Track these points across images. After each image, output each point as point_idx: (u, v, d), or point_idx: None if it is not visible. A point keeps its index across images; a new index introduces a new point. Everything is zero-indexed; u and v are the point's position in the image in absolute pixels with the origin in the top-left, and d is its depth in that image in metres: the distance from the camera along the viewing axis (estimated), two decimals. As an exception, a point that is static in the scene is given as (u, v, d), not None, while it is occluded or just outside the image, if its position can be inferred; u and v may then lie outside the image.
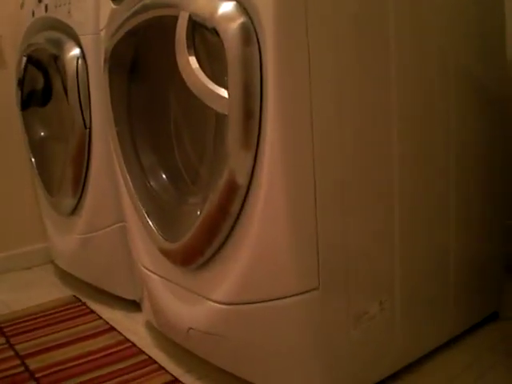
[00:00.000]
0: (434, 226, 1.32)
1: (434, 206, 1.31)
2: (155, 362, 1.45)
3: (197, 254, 1.20)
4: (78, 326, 1.70)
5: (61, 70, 1.71)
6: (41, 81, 1.92)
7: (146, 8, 1.24)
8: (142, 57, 1.39)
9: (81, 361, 1.49)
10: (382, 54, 1.14)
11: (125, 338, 1.60)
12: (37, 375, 1.42)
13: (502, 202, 1.52)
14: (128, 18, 1.30)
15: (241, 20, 1.02)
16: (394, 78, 1.17)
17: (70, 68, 1.64)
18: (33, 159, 2.01)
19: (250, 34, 1.02)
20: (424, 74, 1.24)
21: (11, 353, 1.55)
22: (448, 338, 1.43)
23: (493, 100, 1.43)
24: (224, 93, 1.05)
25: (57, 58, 1.73)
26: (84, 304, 1.86)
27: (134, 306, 1.74)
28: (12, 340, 1.62)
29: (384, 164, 1.18)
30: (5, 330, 1.70)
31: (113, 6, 1.39)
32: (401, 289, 1.25)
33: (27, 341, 1.62)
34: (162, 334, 1.54)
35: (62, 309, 1.83)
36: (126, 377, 1.39)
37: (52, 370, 1.45)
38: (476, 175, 1.41)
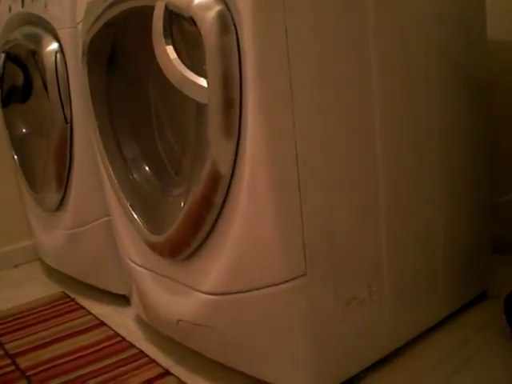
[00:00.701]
0: (421, 206, 1.32)
1: (420, 187, 1.31)
2: (146, 355, 1.45)
3: (183, 245, 1.20)
4: (67, 322, 1.70)
5: (40, 66, 1.69)
6: (20, 77, 1.90)
7: (122, -1, 1.23)
8: (120, 48, 1.38)
9: (72, 357, 1.48)
10: (362, 39, 1.14)
11: (115, 332, 1.60)
12: (28, 373, 1.42)
13: (489, 181, 1.53)
14: (104, 10, 1.28)
15: (217, 8, 1.01)
16: (377, 62, 1.16)
17: (49, 63, 1.63)
18: (15, 156, 2.00)
19: (227, 22, 1.01)
20: (407, 59, 1.23)
21: (1, 352, 1.54)
22: (438, 319, 1.43)
23: (475, 85, 1.43)
24: (203, 82, 1.04)
25: (35, 54, 1.71)
26: (73, 300, 1.85)
27: (124, 300, 1.73)
28: (1, 339, 1.61)
29: (367, 146, 1.18)
30: (-6, 329, 1.69)
31: (89, -2, 1.38)
32: (389, 272, 1.25)
33: (17, 339, 1.61)
34: (152, 327, 1.53)
35: (51, 306, 1.83)
36: (117, 371, 1.39)
37: (43, 367, 1.44)
38: (463, 155, 1.41)
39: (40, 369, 1.44)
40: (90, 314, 1.74)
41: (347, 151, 1.14)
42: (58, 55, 1.63)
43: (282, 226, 1.06)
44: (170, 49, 1.08)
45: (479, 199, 1.50)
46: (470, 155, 1.45)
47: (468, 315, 1.48)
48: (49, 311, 1.79)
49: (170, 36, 1.09)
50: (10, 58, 1.87)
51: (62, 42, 1.62)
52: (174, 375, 1.35)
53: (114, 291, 1.77)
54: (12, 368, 1.45)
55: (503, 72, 1.72)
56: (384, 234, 1.23)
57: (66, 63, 1.62)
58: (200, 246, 1.18)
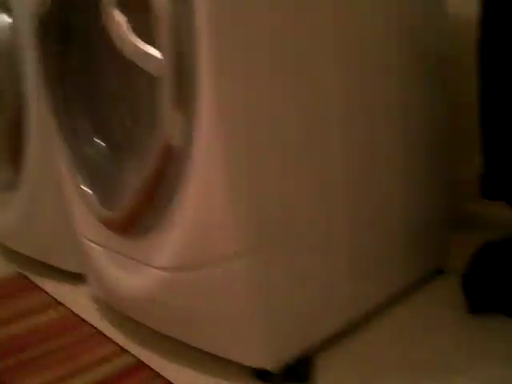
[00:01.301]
0: (379, 180, 1.32)
1: (378, 161, 1.30)
2: (102, 333, 1.43)
3: (136, 220, 1.18)
4: (22, 302, 1.67)
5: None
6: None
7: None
8: (73, 21, 1.35)
9: (27, 337, 1.46)
10: (319, 14, 1.12)
11: (71, 311, 1.58)
12: (-20, 353, 1.40)
13: (450, 157, 1.53)
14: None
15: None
16: (333, 36, 1.15)
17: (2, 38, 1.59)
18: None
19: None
20: (366, 32, 1.22)
21: (-47, 332, 1.52)
22: (394, 293, 1.43)
23: (434, 59, 1.44)
24: (156, 53, 1.02)
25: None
26: (29, 279, 1.83)
27: (80, 278, 1.71)
28: (-46, 320, 1.59)
29: (323, 119, 1.17)
30: None
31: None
32: (345, 245, 1.25)
33: (-30, 319, 1.59)
34: (109, 306, 1.51)
35: (7, 285, 1.80)
36: (73, 350, 1.37)
37: (-4, 347, 1.42)
38: (422, 129, 1.42)
39: (-7, 349, 1.42)
40: (46, 293, 1.71)
41: (301, 123, 1.13)
42: (10, 30, 1.59)
43: (235, 200, 1.04)
44: (120, 18, 1.05)
45: (439, 175, 1.51)
46: (430, 130, 1.45)
47: (426, 289, 1.49)
48: (4, 291, 1.76)
49: (121, 6, 1.06)
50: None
51: (14, 17, 1.58)
52: (130, 353, 1.33)
53: (70, 270, 1.75)
54: (-36, 348, 1.43)
55: (463, 47, 1.73)
56: (340, 208, 1.22)
57: (18, 38, 1.58)
58: (153, 222, 1.16)
